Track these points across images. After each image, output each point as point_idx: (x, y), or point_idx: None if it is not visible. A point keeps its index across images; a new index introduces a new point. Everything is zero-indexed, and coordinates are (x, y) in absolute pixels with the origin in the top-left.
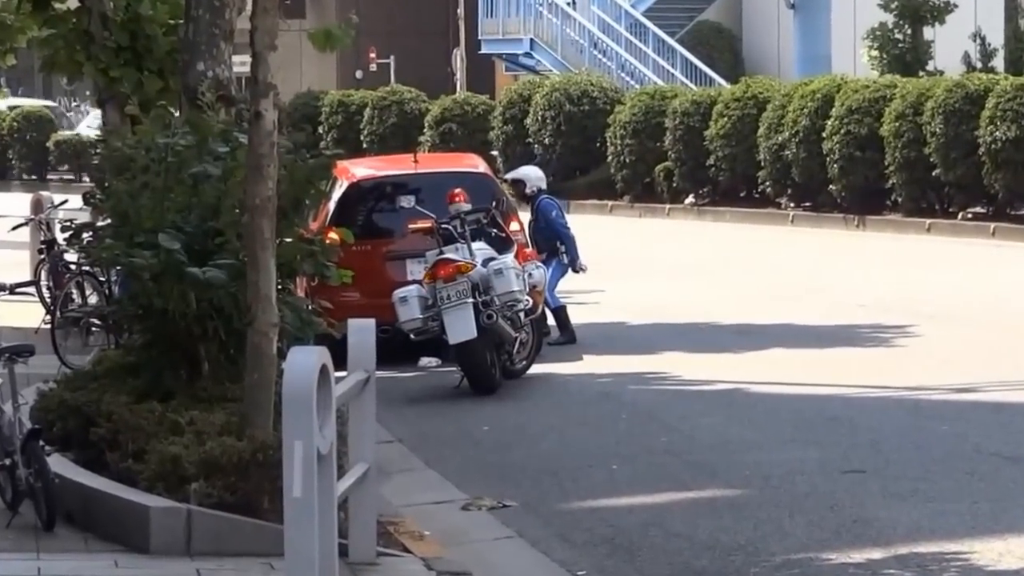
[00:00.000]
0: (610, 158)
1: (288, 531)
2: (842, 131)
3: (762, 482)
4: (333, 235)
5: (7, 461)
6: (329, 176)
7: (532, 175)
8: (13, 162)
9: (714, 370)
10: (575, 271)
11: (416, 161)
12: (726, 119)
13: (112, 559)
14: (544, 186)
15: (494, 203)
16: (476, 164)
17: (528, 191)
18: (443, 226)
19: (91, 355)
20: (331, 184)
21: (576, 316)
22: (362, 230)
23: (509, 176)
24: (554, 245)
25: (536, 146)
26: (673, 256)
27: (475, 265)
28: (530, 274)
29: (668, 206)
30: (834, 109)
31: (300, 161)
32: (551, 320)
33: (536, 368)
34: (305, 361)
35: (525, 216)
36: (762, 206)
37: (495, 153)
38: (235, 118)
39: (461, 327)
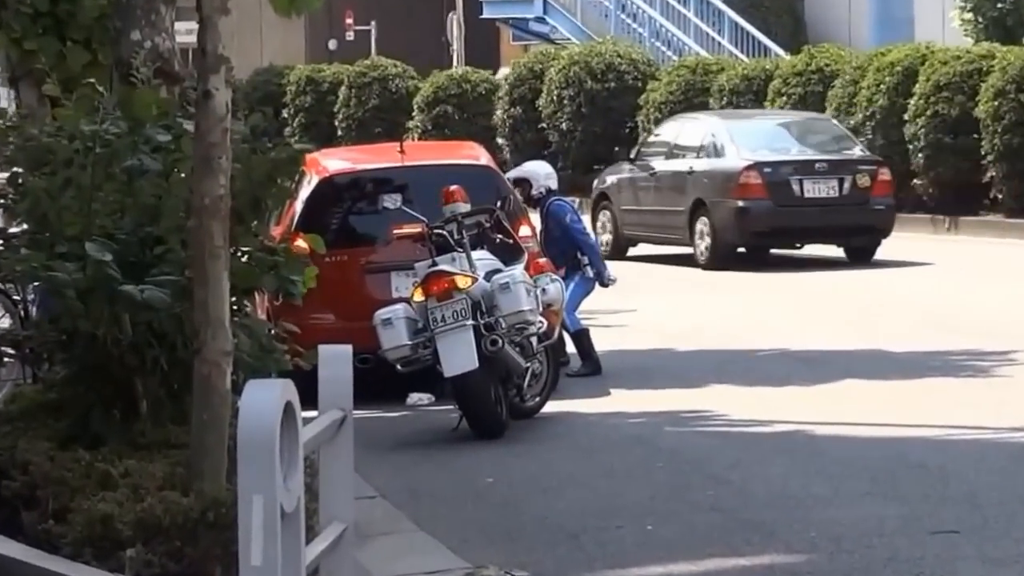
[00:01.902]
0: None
1: None
2: (928, 112)
3: (832, 546)
4: (300, 243)
5: None
6: (296, 170)
7: (539, 172)
8: None
9: (771, 408)
10: (603, 284)
11: (402, 151)
12: (785, 98)
13: None
14: (555, 185)
15: (499, 202)
16: (476, 155)
17: (535, 192)
18: (436, 231)
19: (2, 391)
20: (298, 180)
21: (601, 341)
22: (336, 236)
23: (511, 175)
24: (574, 256)
25: (550, 133)
26: (717, 267)
27: (476, 279)
28: (544, 290)
29: None
30: (918, 85)
31: (259, 152)
32: (570, 347)
33: (552, 406)
34: (265, 398)
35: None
36: None
37: (500, 141)
38: (179, 99)
39: (459, 356)
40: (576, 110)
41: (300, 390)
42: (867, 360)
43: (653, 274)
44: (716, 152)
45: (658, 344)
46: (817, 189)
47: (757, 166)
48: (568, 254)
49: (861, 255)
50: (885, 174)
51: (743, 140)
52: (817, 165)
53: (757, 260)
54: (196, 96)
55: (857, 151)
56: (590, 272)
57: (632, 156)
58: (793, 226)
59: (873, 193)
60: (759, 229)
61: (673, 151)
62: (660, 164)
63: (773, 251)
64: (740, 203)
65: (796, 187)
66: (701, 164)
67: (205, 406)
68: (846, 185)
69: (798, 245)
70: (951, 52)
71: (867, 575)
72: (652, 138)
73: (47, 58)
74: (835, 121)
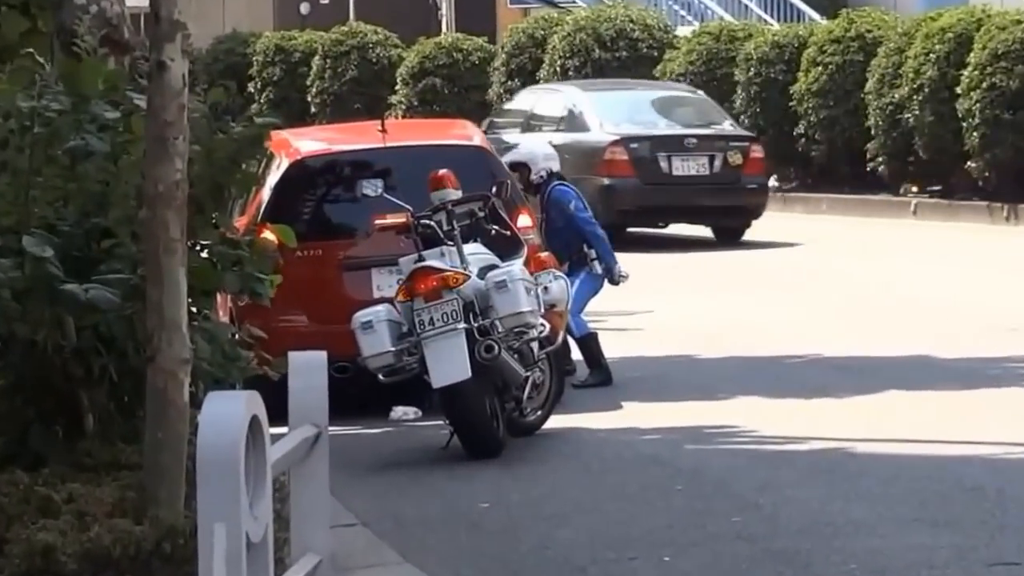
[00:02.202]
0: None
1: None
2: (984, 85)
3: None
4: (268, 235)
5: None
6: (262, 152)
7: (539, 154)
8: None
9: (804, 422)
10: (612, 282)
11: (384, 131)
12: (821, 69)
13: None
14: (557, 168)
15: (495, 188)
16: (469, 134)
17: (535, 177)
18: (423, 221)
19: None
20: (265, 164)
21: (612, 347)
22: (309, 228)
23: (507, 158)
24: (580, 250)
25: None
26: (748, 261)
27: (468, 276)
28: (546, 288)
29: None
30: (972, 54)
31: (221, 132)
32: (576, 353)
33: (555, 421)
34: (228, 412)
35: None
36: (872, 191)
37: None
38: (129, 71)
39: (449, 364)
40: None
41: (268, 403)
42: (915, 368)
43: (674, 267)
44: (577, 126)
45: (677, 350)
46: (686, 166)
47: (623, 141)
48: (573, 247)
49: (730, 236)
50: (758, 151)
51: (607, 113)
52: (686, 141)
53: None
54: (149, 68)
55: (728, 126)
56: (598, 267)
57: (484, 128)
58: (660, 205)
59: (745, 171)
60: (625, 208)
61: (530, 123)
62: (514, 138)
63: (631, 230)
64: (605, 180)
65: (664, 164)
66: (561, 138)
67: (160, 422)
68: (717, 163)
69: (661, 224)
70: (1010, 16)
71: None
72: (506, 107)
73: None
74: (703, 93)
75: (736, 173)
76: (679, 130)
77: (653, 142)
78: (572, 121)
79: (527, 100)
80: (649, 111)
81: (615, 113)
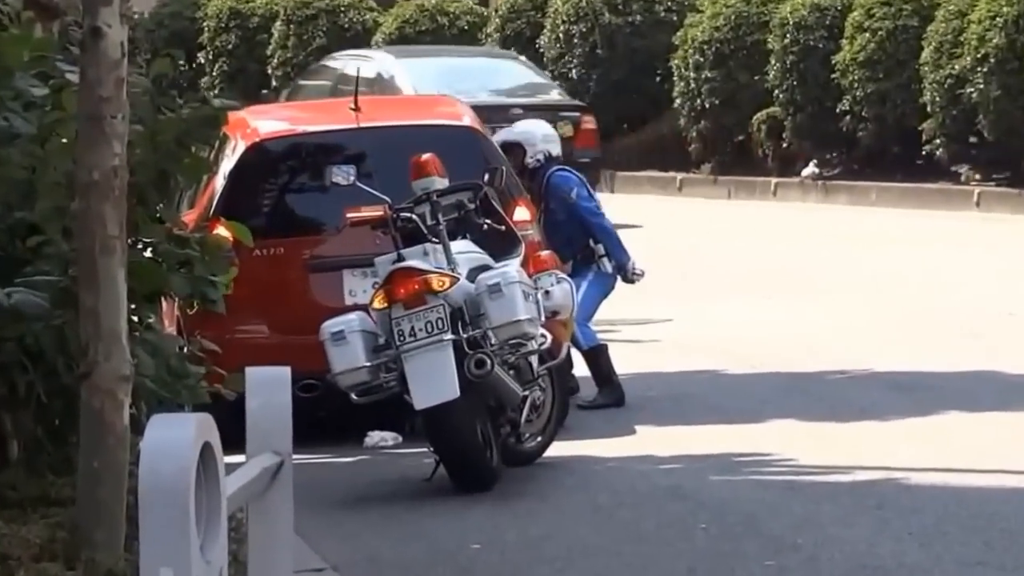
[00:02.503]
0: (679, 102)
1: None
2: None
3: None
4: (222, 231)
5: None
6: (215, 135)
7: (535, 134)
8: None
9: (849, 449)
10: (627, 280)
11: (357, 109)
12: (868, 35)
13: None
14: (557, 151)
15: (488, 176)
16: (457, 113)
17: (530, 160)
18: (403, 215)
19: None
20: (218, 148)
21: (624, 361)
22: (270, 223)
23: (499, 138)
24: (585, 246)
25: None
26: (782, 262)
27: (457, 278)
28: (547, 292)
29: (774, 180)
30: None
31: (167, 110)
32: (583, 368)
33: (557, 448)
34: (176, 438)
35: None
36: (929, 178)
37: None
38: (59, 39)
39: (434, 382)
40: (590, 52)
41: (222, 427)
42: (977, 385)
43: (697, 268)
44: (388, 94)
45: (700, 364)
46: None
47: None
48: (577, 243)
49: None
50: (589, 122)
51: (422, 82)
52: (511, 111)
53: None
54: (82, 35)
55: (556, 95)
56: (607, 265)
57: (285, 98)
58: None
59: (576, 144)
60: None
61: (337, 91)
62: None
63: None
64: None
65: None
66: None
67: (96, 450)
68: None
69: None
70: None
71: None
72: (308, 77)
73: None
74: (524, 59)
75: (567, 146)
76: (503, 99)
77: (476, 113)
78: (383, 89)
79: (333, 67)
80: (469, 79)
81: (431, 81)
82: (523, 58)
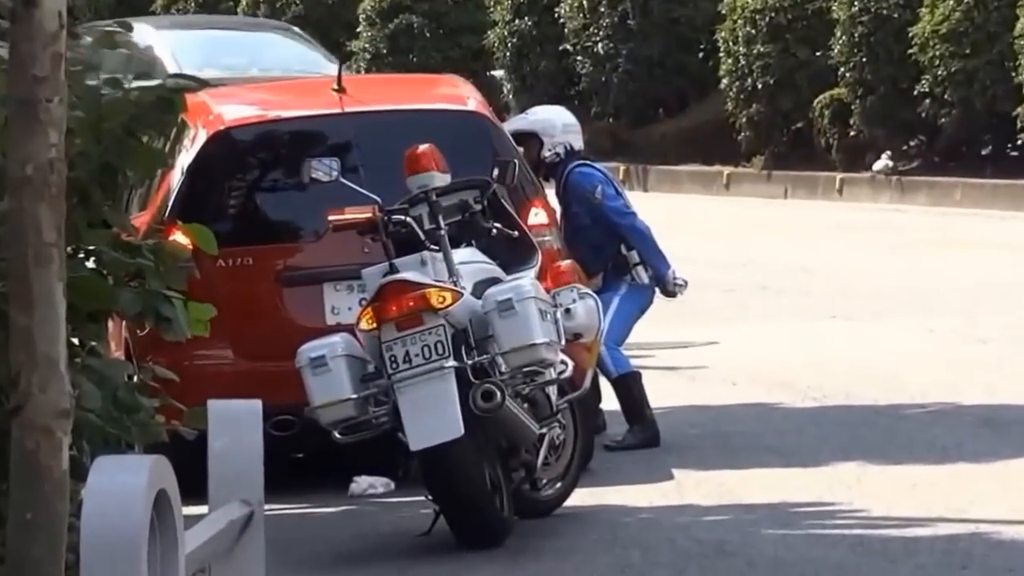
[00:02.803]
0: (725, 82)
1: None
2: None
3: None
4: (180, 237)
5: None
6: (172, 121)
7: (555, 123)
8: None
9: (930, 497)
10: (666, 293)
11: (341, 90)
12: (952, 3)
13: None
14: (579, 143)
15: (497, 171)
16: (461, 95)
17: (548, 154)
18: (396, 217)
19: None
20: (175, 137)
21: (661, 391)
22: (237, 227)
23: (512, 126)
24: (617, 253)
25: (578, 60)
26: (849, 274)
27: (460, 293)
28: (568, 311)
29: (839, 175)
30: None
31: (115, 92)
32: (611, 400)
33: (580, 495)
34: (125, 485)
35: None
36: None
37: (498, 74)
38: None
39: (433, 418)
40: (619, 22)
41: (180, 471)
42: None
43: (746, 284)
44: (148, 73)
45: (750, 396)
46: None
47: None
48: (607, 251)
49: None
50: None
51: (185, 55)
52: None
53: None
54: (12, 5)
55: (334, 71)
56: (643, 275)
57: None
58: None
59: None
60: None
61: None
62: None
63: None
64: None
65: None
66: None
67: (29, 498)
68: None
69: None
70: None
71: None
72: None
73: None
74: (298, 31)
75: None
76: (276, 75)
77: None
78: (140, 64)
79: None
80: (238, 53)
81: (195, 55)
82: (297, 29)
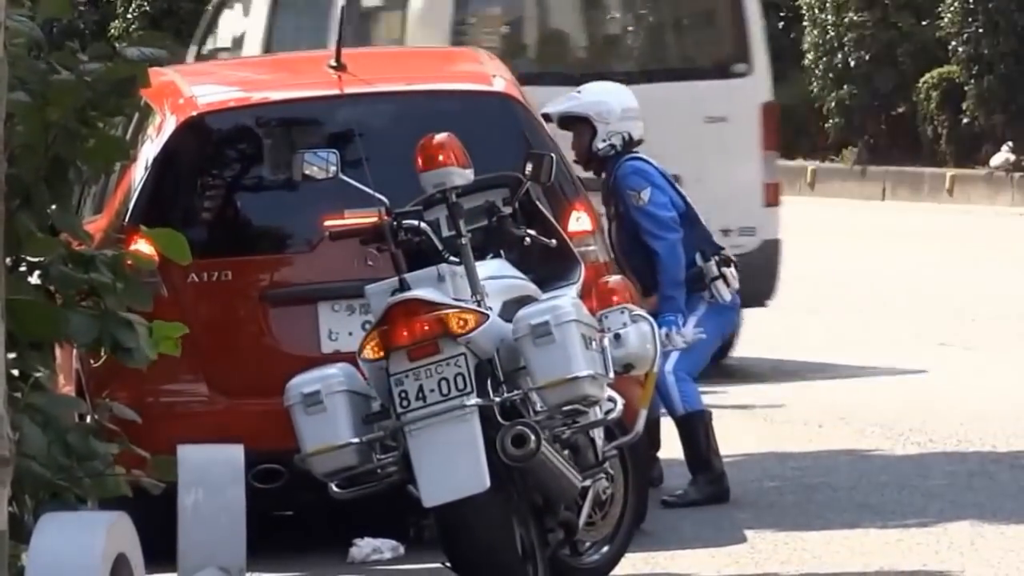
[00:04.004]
0: (810, 57)
1: None
2: None
3: None
4: (143, 245)
5: None
6: (133, 104)
7: (611, 107)
8: None
9: None
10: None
11: (340, 67)
12: None
13: None
14: (639, 132)
15: (530, 166)
16: (486, 73)
17: (600, 146)
18: (408, 223)
19: None
20: (138, 124)
21: (731, 435)
22: (213, 235)
23: (557, 108)
24: (691, 263)
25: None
26: (962, 293)
27: (486, 315)
28: (617, 336)
29: (949, 172)
30: None
31: (64, 69)
32: (672, 447)
33: (632, 562)
34: (76, 547)
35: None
36: None
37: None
38: None
39: (452, 468)
40: None
41: (144, 532)
42: None
43: (835, 303)
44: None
45: (839, 440)
46: None
47: None
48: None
49: None
50: None
51: None
52: None
53: None
54: None
55: None
56: (723, 292)
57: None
58: None
59: None
60: None
61: None
62: None
63: None
64: None
65: None
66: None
67: None
68: None
69: None
70: None
71: None
72: None
73: None
74: None
75: None
76: None
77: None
78: None
79: None
80: None
81: None
82: None
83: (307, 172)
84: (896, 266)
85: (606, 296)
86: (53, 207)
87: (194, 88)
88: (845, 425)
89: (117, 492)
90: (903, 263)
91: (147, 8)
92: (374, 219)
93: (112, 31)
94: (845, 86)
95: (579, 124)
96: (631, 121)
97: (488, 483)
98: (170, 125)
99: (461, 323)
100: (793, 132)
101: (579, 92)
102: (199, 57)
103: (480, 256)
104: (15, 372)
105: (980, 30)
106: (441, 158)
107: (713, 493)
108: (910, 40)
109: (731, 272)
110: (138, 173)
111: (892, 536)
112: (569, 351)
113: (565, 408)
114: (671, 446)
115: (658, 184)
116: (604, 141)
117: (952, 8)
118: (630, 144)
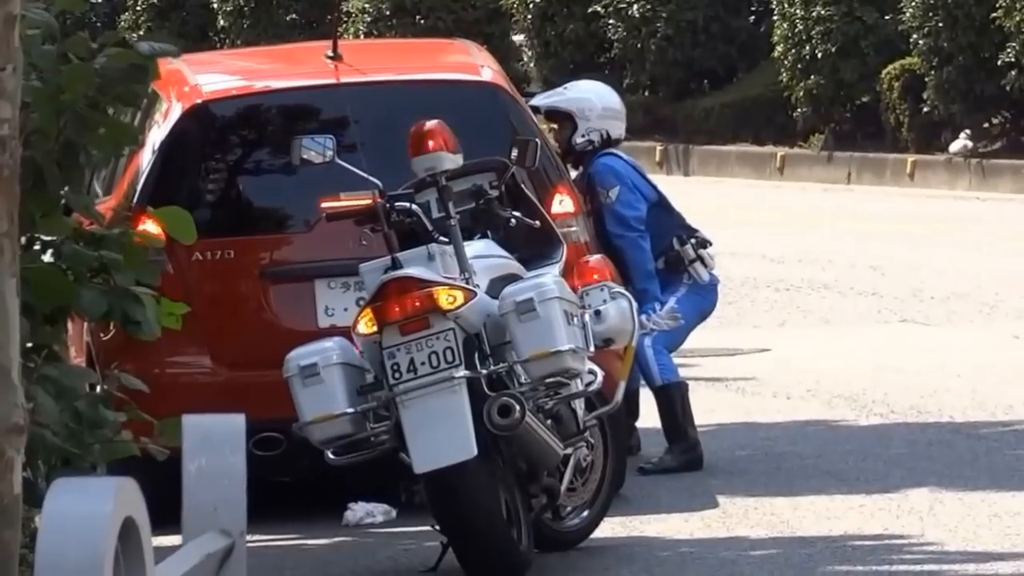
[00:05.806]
0: (779, 50)
1: None
2: None
3: None
4: (151, 225)
5: None
6: (142, 92)
7: (592, 104)
8: None
9: (1013, 531)
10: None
11: (336, 57)
12: None
13: None
14: (619, 132)
15: (516, 151)
16: (474, 64)
17: (579, 141)
18: (400, 204)
19: None
20: (146, 111)
21: (706, 407)
22: (216, 215)
23: (543, 101)
24: (668, 247)
25: (610, 24)
26: (922, 273)
27: (474, 292)
28: (598, 312)
29: (911, 157)
30: None
31: (75, 59)
32: (649, 417)
33: (612, 525)
34: (87, 512)
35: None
36: None
37: (517, 39)
38: None
39: (441, 436)
40: None
41: (151, 496)
42: None
43: (801, 282)
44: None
45: (806, 412)
46: None
47: None
48: (655, 246)
49: None
50: None
51: None
52: None
53: None
54: None
55: None
56: (702, 273)
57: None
58: None
59: None
60: None
61: None
62: None
63: None
64: None
65: None
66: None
67: None
68: None
69: None
70: None
71: None
72: None
73: None
74: None
75: None
76: None
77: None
78: None
79: None
80: None
81: None
82: None
83: (305, 156)
84: (860, 246)
85: (587, 274)
86: (66, 188)
87: (199, 77)
88: (812, 397)
89: (126, 453)
90: (867, 244)
91: (156, 2)
92: (368, 201)
93: (122, 22)
94: (812, 76)
95: (562, 119)
96: (611, 120)
97: (475, 451)
98: (176, 112)
99: (450, 299)
100: (763, 120)
101: (566, 88)
102: None
103: (468, 236)
104: (29, 345)
105: (940, 24)
106: (432, 144)
107: (688, 461)
108: (874, 33)
109: (708, 253)
110: (146, 157)
111: (856, 502)
112: (552, 326)
113: (548, 380)
114: (649, 416)
115: (629, 183)
116: (583, 137)
117: (913, 3)
118: (608, 142)
